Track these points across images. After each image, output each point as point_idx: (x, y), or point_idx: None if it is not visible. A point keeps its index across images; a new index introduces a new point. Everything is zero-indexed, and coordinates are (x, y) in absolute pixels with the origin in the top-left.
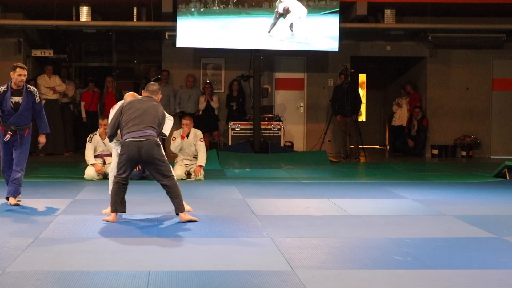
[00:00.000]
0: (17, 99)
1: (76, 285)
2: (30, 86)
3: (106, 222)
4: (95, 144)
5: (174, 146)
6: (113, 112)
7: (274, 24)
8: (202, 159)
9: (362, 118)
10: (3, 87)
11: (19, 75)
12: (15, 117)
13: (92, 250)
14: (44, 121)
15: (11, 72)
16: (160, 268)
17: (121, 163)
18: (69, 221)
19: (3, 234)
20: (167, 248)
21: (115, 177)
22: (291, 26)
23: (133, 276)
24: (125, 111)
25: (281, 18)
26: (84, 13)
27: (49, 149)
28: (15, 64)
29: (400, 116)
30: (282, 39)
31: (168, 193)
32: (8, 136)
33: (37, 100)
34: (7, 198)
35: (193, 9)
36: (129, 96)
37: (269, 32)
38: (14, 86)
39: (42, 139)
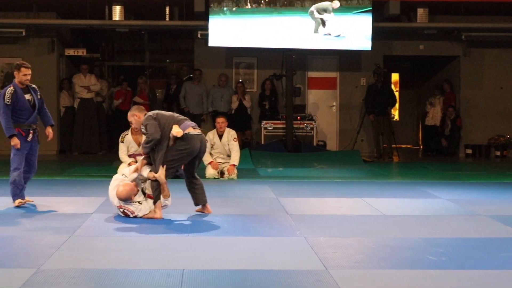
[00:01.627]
0: (27, 96)
1: (110, 283)
2: (30, 83)
3: (139, 220)
4: (127, 144)
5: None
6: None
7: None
8: (235, 158)
9: (395, 117)
10: (10, 88)
11: (24, 75)
12: (33, 116)
13: (126, 248)
14: (48, 114)
15: (15, 72)
16: (194, 266)
17: (181, 157)
18: (103, 219)
19: (38, 232)
20: (201, 247)
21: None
22: (323, 23)
23: (167, 275)
24: (162, 117)
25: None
26: (117, 12)
27: (83, 148)
28: (19, 63)
29: (434, 116)
30: (317, 36)
31: (197, 188)
32: (31, 136)
33: (39, 96)
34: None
35: (225, 8)
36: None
37: (315, 32)
38: (20, 85)
39: (49, 129)
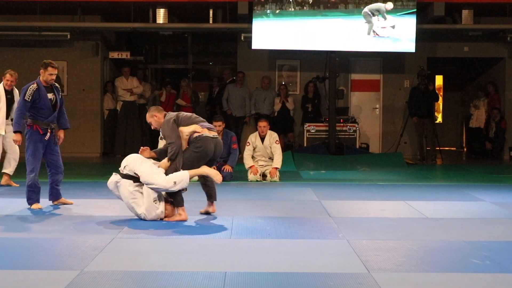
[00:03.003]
0: (50, 96)
1: (153, 285)
2: (54, 82)
3: (181, 223)
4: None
5: (246, 153)
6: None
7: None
8: (278, 161)
9: (439, 119)
10: (34, 85)
11: (50, 74)
12: (53, 115)
13: (168, 251)
14: (65, 116)
15: (42, 70)
16: (236, 269)
17: (195, 159)
18: (145, 221)
19: (81, 235)
20: (243, 249)
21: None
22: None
23: (209, 277)
24: (182, 119)
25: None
26: (161, 15)
27: (126, 150)
28: (46, 62)
29: (478, 118)
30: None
31: (208, 186)
32: (49, 135)
33: (61, 95)
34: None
35: (268, 10)
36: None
37: (368, 34)
38: (44, 84)
39: (61, 134)
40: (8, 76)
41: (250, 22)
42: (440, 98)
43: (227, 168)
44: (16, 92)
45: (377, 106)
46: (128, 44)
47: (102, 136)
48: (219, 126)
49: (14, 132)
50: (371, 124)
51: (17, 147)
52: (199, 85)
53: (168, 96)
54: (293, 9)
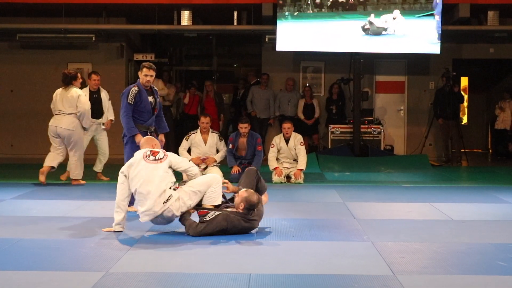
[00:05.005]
0: (150, 99)
1: (177, 287)
2: (153, 85)
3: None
4: (190, 142)
5: (270, 155)
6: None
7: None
8: (302, 163)
9: (464, 121)
10: (135, 87)
11: (145, 75)
12: (152, 118)
13: (193, 252)
14: (164, 120)
15: (139, 72)
16: (260, 271)
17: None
18: (170, 223)
19: (107, 236)
20: (268, 251)
21: None
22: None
23: (233, 279)
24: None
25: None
26: (185, 17)
27: None
28: (143, 63)
29: (503, 120)
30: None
31: None
32: None
33: (159, 98)
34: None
35: (287, 13)
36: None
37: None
38: (144, 87)
39: (163, 137)
40: (93, 76)
41: (275, 24)
42: (465, 100)
43: None
44: (104, 92)
45: (402, 107)
46: (152, 46)
47: None
48: (245, 128)
49: (131, 136)
50: (395, 126)
51: (106, 147)
52: (223, 86)
53: (192, 99)
54: (311, 11)
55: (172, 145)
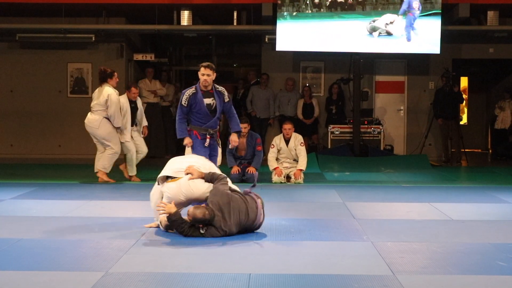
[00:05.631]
0: (208, 100)
1: (177, 287)
2: (218, 86)
3: None
4: None
5: (270, 155)
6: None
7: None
8: (302, 163)
9: (464, 121)
10: (192, 89)
11: (202, 74)
12: (213, 121)
13: (193, 252)
14: (236, 119)
15: (199, 72)
16: (260, 270)
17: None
18: None
19: (106, 236)
20: (267, 251)
21: None
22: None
23: (233, 279)
24: None
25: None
26: (185, 17)
27: (150, 152)
28: (202, 63)
29: (503, 119)
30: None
31: None
32: (208, 141)
33: (226, 99)
34: None
35: (285, 13)
36: None
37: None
38: (202, 88)
39: (234, 137)
40: (133, 89)
41: (274, 24)
42: (465, 100)
43: (251, 169)
44: (139, 101)
45: (402, 107)
46: (152, 46)
47: None
48: (245, 128)
49: (179, 138)
50: (395, 126)
51: (143, 146)
52: (223, 86)
53: None
54: (310, 11)
55: (171, 144)
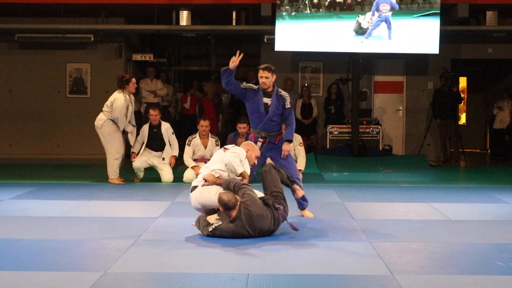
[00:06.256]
0: (266, 100)
1: (176, 287)
2: (281, 90)
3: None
4: (194, 147)
5: None
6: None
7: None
8: (301, 163)
9: (463, 121)
10: (255, 86)
11: (260, 77)
12: (265, 123)
13: (191, 253)
14: (290, 128)
15: (258, 74)
16: (258, 271)
17: None
18: (168, 224)
19: (105, 236)
20: (266, 252)
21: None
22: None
23: (232, 279)
24: None
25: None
26: (184, 17)
27: None
28: (259, 66)
29: (502, 119)
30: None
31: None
32: (259, 144)
33: (287, 105)
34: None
35: (284, 13)
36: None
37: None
38: (263, 86)
39: (285, 146)
40: (151, 111)
41: (273, 24)
42: (464, 100)
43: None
44: (165, 126)
45: (401, 108)
46: (151, 46)
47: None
48: (244, 128)
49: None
50: (394, 126)
51: (169, 178)
52: (221, 87)
53: (191, 99)
54: (309, 11)
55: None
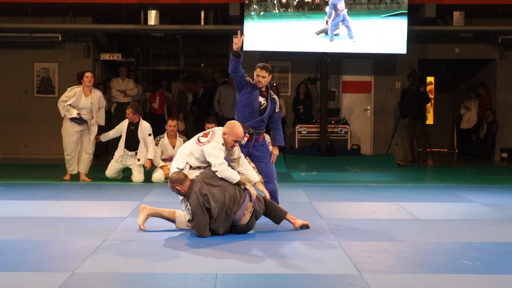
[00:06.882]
0: (261, 99)
1: (144, 287)
2: (273, 93)
3: (172, 225)
4: (162, 147)
5: None
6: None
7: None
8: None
9: (430, 121)
10: (253, 81)
11: (257, 75)
12: (255, 121)
13: (159, 253)
14: (280, 133)
15: (254, 72)
16: (227, 271)
17: None
18: (137, 224)
19: (73, 236)
20: (234, 251)
21: None
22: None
23: (200, 279)
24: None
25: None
26: (152, 17)
27: None
28: (257, 65)
29: (469, 119)
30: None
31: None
32: (245, 139)
33: (277, 110)
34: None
35: (253, 13)
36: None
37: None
38: (258, 84)
39: (275, 151)
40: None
41: (242, 23)
42: (431, 100)
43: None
44: (143, 126)
45: (369, 107)
46: (119, 45)
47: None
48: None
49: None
50: (362, 126)
51: (139, 179)
52: (191, 86)
53: (158, 98)
54: (277, 11)
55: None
